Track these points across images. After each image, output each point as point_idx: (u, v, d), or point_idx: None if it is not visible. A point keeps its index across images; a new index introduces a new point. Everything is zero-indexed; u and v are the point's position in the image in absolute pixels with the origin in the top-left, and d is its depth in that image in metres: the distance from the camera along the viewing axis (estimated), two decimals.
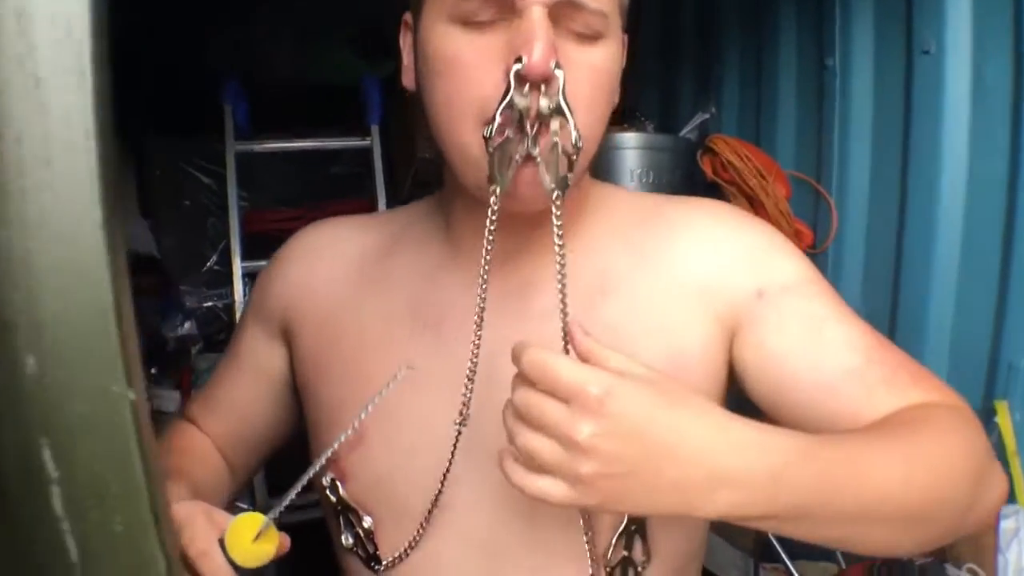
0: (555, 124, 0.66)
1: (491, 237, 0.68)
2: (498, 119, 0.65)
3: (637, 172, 2.17)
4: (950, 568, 1.48)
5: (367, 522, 0.80)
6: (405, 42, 0.81)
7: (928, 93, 1.72)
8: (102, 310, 0.27)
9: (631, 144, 2.16)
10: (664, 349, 0.78)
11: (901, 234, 1.83)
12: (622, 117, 2.42)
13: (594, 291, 0.80)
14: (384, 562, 0.79)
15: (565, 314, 0.67)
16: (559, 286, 0.68)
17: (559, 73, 0.65)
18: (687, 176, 2.21)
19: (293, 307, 0.90)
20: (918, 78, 1.75)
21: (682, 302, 0.80)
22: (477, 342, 0.71)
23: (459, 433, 0.73)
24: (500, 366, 0.69)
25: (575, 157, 0.67)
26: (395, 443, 0.79)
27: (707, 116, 2.36)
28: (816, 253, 2.06)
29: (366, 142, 2.18)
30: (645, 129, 2.29)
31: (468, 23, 0.69)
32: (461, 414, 0.72)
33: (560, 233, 0.67)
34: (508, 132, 0.66)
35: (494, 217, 0.68)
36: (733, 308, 0.80)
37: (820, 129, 2.05)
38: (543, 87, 0.65)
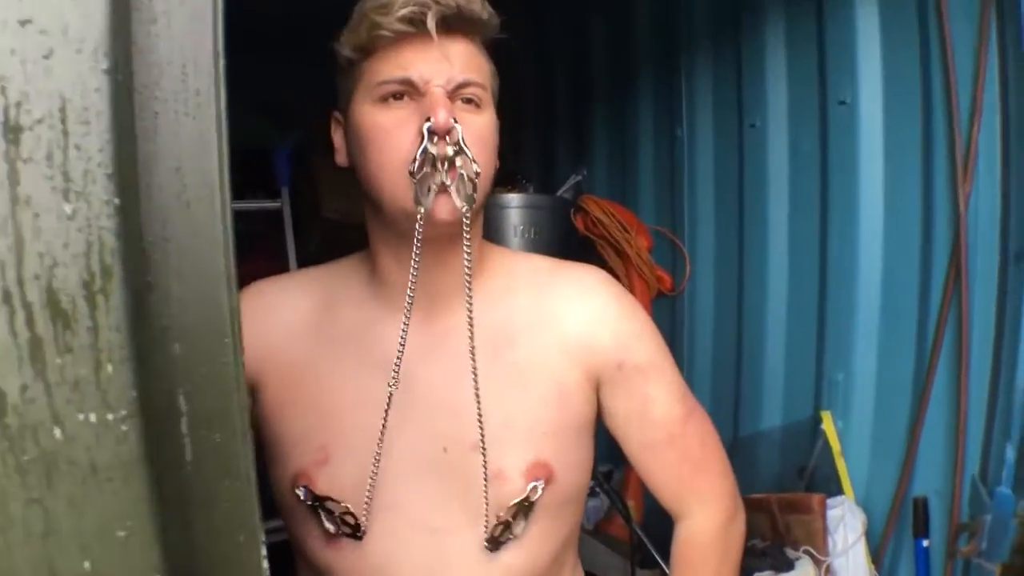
0: (459, 162, 0.87)
1: (418, 251, 0.86)
2: (419, 159, 0.86)
3: (520, 228, 2.41)
4: (788, 551, 1.76)
5: (344, 506, 0.96)
6: (336, 132, 1.01)
7: (755, 164, 2.08)
8: (222, 321, 0.50)
9: (514, 204, 2.40)
10: (554, 385, 1.00)
11: (741, 277, 2.17)
12: (506, 180, 2.69)
13: (499, 339, 0.99)
14: (363, 529, 0.96)
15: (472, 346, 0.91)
16: (467, 299, 0.89)
17: (457, 126, 0.87)
18: (564, 232, 2.47)
19: (254, 363, 1.01)
20: (747, 149, 2.11)
21: (566, 353, 1.01)
22: (396, 372, 0.91)
23: (383, 430, 0.94)
24: (434, 393, 0.97)
25: (475, 181, 0.87)
26: (354, 457, 0.96)
27: (580, 178, 2.66)
28: (675, 295, 2.38)
29: (277, 204, 2.38)
30: (526, 190, 2.54)
31: (386, 103, 0.91)
32: (391, 386, 0.92)
33: (469, 240, 0.87)
34: (426, 169, 0.86)
35: (420, 233, 0.86)
36: (598, 368, 1.02)
37: (673, 189, 2.38)
38: (447, 137, 0.86)
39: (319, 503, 0.98)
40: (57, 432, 0.45)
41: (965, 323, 1.60)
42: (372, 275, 1.03)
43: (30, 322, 0.44)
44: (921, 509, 1.71)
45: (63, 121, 0.43)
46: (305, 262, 2.22)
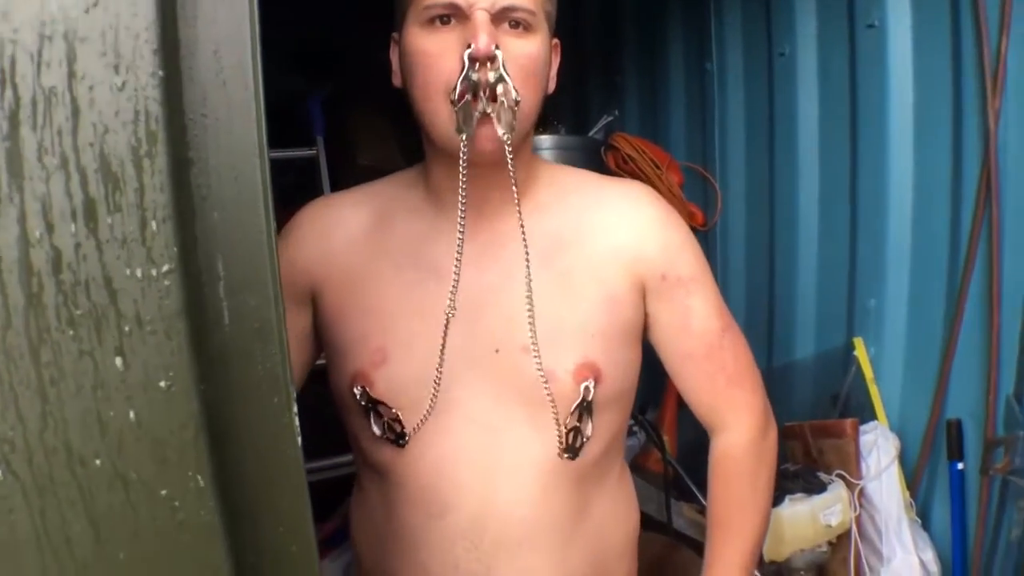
0: (500, 89, 0.89)
1: (464, 177, 0.90)
2: (459, 87, 0.88)
3: None
4: (822, 474, 1.79)
5: (395, 411, 1.03)
6: (393, 53, 1.04)
7: (785, 93, 2.07)
8: (256, 193, 0.54)
9: (546, 145, 2.39)
10: (603, 292, 1.04)
11: (772, 209, 2.17)
12: (538, 122, 2.69)
13: (551, 247, 1.04)
14: (407, 438, 1.03)
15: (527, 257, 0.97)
16: (520, 226, 0.95)
17: (498, 53, 0.89)
18: (597, 171, 2.48)
19: (316, 272, 1.09)
20: (777, 78, 2.10)
21: (614, 261, 1.04)
22: (456, 274, 0.96)
23: (445, 332, 0.98)
24: (485, 298, 1.01)
25: (515, 109, 0.90)
26: (411, 358, 1.02)
27: (611, 118, 2.65)
28: (707, 230, 2.39)
29: (312, 152, 2.43)
30: (558, 132, 2.54)
31: (433, 26, 0.93)
32: (451, 305, 0.97)
33: (512, 163, 0.91)
34: (467, 97, 0.89)
35: (464, 160, 0.90)
36: (644, 276, 1.05)
37: (704, 125, 2.38)
38: (489, 64, 0.89)
39: (372, 405, 1.04)
40: (106, 287, 0.50)
41: (996, 242, 1.60)
42: (426, 188, 1.08)
43: (84, 184, 0.48)
44: (955, 431, 1.73)
45: (115, 4, 0.47)
46: None
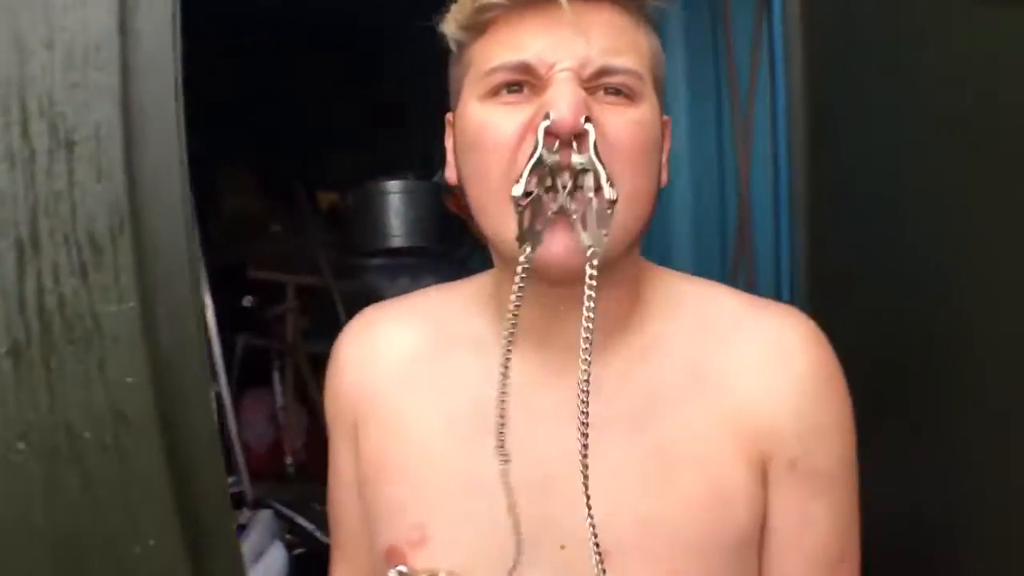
0: (589, 180, 0.63)
1: (518, 301, 0.64)
2: (526, 174, 0.62)
3: None
4: None
5: None
6: (448, 139, 0.78)
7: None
8: (182, 262, 0.84)
9: None
10: (706, 479, 0.74)
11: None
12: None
13: (645, 406, 0.76)
14: None
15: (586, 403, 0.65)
16: (584, 368, 0.64)
17: (589, 128, 0.62)
18: None
19: (357, 407, 0.86)
20: None
21: (728, 433, 0.75)
22: (502, 432, 0.68)
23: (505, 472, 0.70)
24: (555, 476, 0.71)
25: (610, 211, 0.62)
26: (457, 543, 0.77)
27: None
28: None
29: None
30: None
31: (498, 95, 0.69)
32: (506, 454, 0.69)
33: (592, 297, 0.63)
34: (537, 191, 0.63)
35: (522, 276, 0.64)
36: (768, 457, 0.76)
37: None
38: (574, 143, 0.62)
39: None
40: (92, 318, 0.77)
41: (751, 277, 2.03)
42: (495, 310, 0.81)
43: (80, 253, 0.76)
44: None
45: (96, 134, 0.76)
46: None
